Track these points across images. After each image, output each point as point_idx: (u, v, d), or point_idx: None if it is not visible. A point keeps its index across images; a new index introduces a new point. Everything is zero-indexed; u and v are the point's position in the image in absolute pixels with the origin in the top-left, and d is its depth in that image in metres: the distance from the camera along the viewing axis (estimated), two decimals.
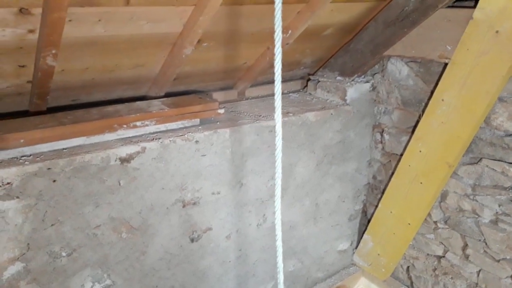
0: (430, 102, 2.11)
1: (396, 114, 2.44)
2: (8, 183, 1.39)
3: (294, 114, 2.13)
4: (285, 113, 2.15)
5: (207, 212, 1.95)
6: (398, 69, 2.36)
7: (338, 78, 2.49)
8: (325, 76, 2.56)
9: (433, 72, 2.19)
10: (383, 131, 2.53)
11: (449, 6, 1.99)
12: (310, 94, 2.57)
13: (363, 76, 2.49)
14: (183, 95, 2.11)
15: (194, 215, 1.90)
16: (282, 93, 2.66)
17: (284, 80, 2.64)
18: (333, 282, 2.64)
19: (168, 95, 2.10)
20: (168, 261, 1.88)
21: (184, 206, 1.87)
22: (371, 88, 2.47)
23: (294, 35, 2.06)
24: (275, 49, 0.88)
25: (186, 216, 1.88)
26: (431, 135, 2.13)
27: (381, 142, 2.55)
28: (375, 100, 2.51)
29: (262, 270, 2.29)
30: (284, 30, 2.04)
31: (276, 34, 0.87)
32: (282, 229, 2.29)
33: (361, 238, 2.69)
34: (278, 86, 0.91)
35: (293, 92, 2.64)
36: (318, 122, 2.22)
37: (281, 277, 1.03)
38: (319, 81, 2.53)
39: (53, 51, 1.44)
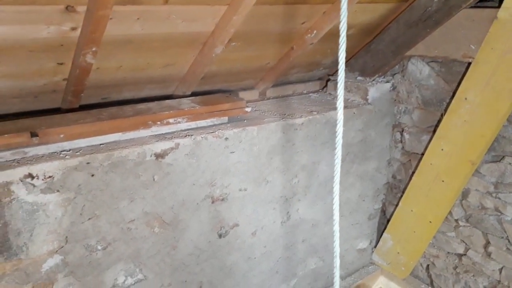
0: (453, 101, 2.14)
1: (416, 114, 2.47)
2: (49, 177, 1.43)
3: (318, 113, 2.16)
4: (308, 112, 2.18)
5: (235, 208, 1.98)
6: (419, 69, 2.39)
7: (359, 78, 2.53)
8: (345, 76, 2.58)
9: (455, 72, 2.22)
10: (403, 131, 2.55)
11: (472, 6, 2.02)
12: (330, 94, 2.60)
13: (383, 76, 2.53)
14: (208, 94, 2.15)
15: (222, 211, 1.93)
16: (302, 93, 2.72)
17: (303, 81, 2.68)
18: (353, 280, 2.66)
19: (194, 94, 2.14)
20: (197, 256, 1.91)
21: (213, 202, 1.90)
22: (391, 88, 2.50)
23: (319, 35, 2.09)
24: (340, 39, 0.92)
25: (215, 212, 1.91)
26: (454, 134, 2.15)
27: (401, 142, 2.58)
28: (395, 100, 2.54)
29: (285, 267, 2.31)
30: (309, 30, 2.08)
31: (341, 25, 0.90)
32: (305, 228, 2.33)
33: (380, 237, 2.71)
34: (341, 68, 0.94)
35: (313, 92, 2.67)
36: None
37: (337, 261, 1.05)
38: None
39: (94, 49, 1.48)
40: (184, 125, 1.82)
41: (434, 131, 2.31)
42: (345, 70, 2.64)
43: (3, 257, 1.41)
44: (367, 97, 2.41)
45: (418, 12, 2.13)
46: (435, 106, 2.36)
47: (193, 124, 1.85)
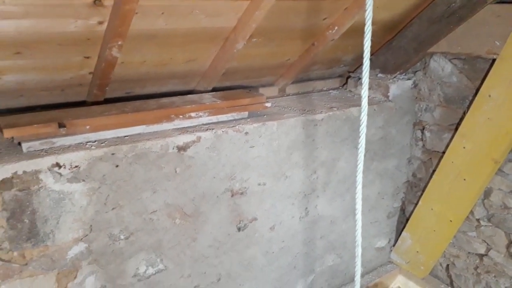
0: (476, 98, 2.11)
1: (438, 111, 2.44)
2: (76, 166, 1.47)
3: (338, 109, 2.16)
4: (328, 108, 2.18)
5: (253, 202, 1.99)
6: (441, 66, 2.36)
7: (380, 75, 2.51)
8: None
9: (478, 69, 2.18)
10: (423, 128, 2.53)
11: (497, 2, 1.99)
12: (350, 91, 2.59)
13: (404, 74, 2.50)
14: (228, 90, 2.18)
15: (241, 204, 1.95)
16: (322, 90, 2.72)
17: (323, 78, 2.68)
18: (371, 279, 2.65)
19: (214, 90, 2.17)
20: (216, 248, 1.93)
21: (232, 196, 1.92)
22: (412, 86, 2.48)
23: (340, 31, 2.09)
24: (365, 37, 0.93)
25: (234, 205, 1.93)
26: (477, 132, 2.12)
27: (422, 140, 2.55)
28: (416, 97, 2.52)
29: (303, 263, 2.32)
30: (330, 26, 2.08)
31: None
32: (323, 224, 2.33)
33: (399, 235, 2.68)
34: (366, 67, 0.95)
35: (333, 89, 2.67)
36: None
37: (359, 251, 1.06)
38: (359, 78, 2.55)
39: (119, 43, 1.52)
40: (205, 119, 1.85)
41: (456, 129, 2.28)
42: None
43: (30, 243, 1.46)
44: (388, 94, 2.40)
45: (441, 8, 2.10)
46: (457, 104, 2.32)
47: (214, 119, 1.88)
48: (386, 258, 2.80)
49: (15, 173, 1.36)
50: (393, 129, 2.45)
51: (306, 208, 2.21)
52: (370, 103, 2.33)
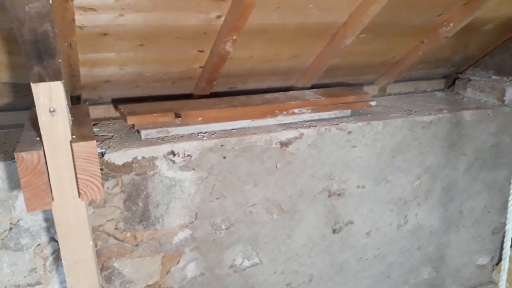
0: None
1: None
2: (188, 155, 1.53)
3: (448, 111, 2.01)
4: (437, 110, 2.04)
5: (351, 205, 1.93)
6: None
7: (494, 77, 2.30)
8: (476, 74, 2.38)
9: None
10: None
11: None
12: (458, 93, 2.41)
13: None
14: (327, 87, 2.13)
15: (338, 206, 1.90)
16: (425, 91, 2.56)
17: (426, 78, 2.52)
18: None
19: (312, 87, 2.13)
20: (310, 248, 1.90)
21: (329, 196, 1.87)
22: None
23: (456, 28, 1.95)
24: None
25: (331, 206, 1.88)
26: None
27: None
28: None
29: (397, 273, 2.20)
30: (445, 23, 1.94)
31: None
32: (422, 234, 2.18)
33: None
34: None
35: (437, 90, 2.50)
36: (473, 122, 2.06)
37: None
38: (470, 80, 2.36)
39: (234, 37, 1.55)
40: (307, 116, 1.82)
41: None
42: (477, 68, 2.43)
43: (142, 225, 1.54)
44: (504, 98, 2.18)
45: None
46: None
47: (315, 116, 1.85)
48: (487, 277, 2.56)
49: (135, 158, 1.45)
50: (507, 137, 2.22)
51: (406, 216, 2.08)
52: (482, 106, 2.14)
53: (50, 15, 0.80)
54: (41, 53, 0.87)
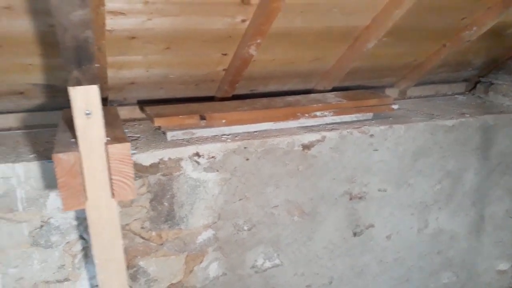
0: None
1: None
2: (212, 157, 1.55)
3: (471, 115, 2.00)
4: (459, 114, 2.03)
5: (372, 208, 1.93)
6: None
7: None
8: (499, 78, 2.35)
9: None
10: None
11: None
12: (479, 97, 2.39)
13: None
14: (347, 90, 2.13)
15: (359, 209, 1.90)
16: (446, 95, 2.54)
17: (447, 81, 2.50)
18: None
19: (333, 90, 2.14)
20: (330, 251, 1.91)
21: (350, 199, 1.88)
22: None
23: (479, 32, 1.93)
24: None
25: (352, 209, 1.89)
26: None
27: None
28: None
29: (416, 277, 2.19)
30: (469, 26, 1.93)
31: None
32: (442, 239, 2.17)
33: None
34: None
35: (458, 94, 2.48)
36: (497, 126, 2.04)
37: None
38: (492, 84, 2.34)
39: (258, 41, 1.57)
40: (329, 118, 1.83)
41: None
42: (499, 72, 2.40)
43: (167, 225, 1.57)
44: None
45: None
46: None
47: (337, 119, 1.85)
48: (507, 283, 2.52)
49: (162, 159, 1.48)
50: None
51: (426, 220, 2.07)
52: (505, 111, 2.12)
53: (91, 23, 0.83)
54: (80, 59, 0.90)
